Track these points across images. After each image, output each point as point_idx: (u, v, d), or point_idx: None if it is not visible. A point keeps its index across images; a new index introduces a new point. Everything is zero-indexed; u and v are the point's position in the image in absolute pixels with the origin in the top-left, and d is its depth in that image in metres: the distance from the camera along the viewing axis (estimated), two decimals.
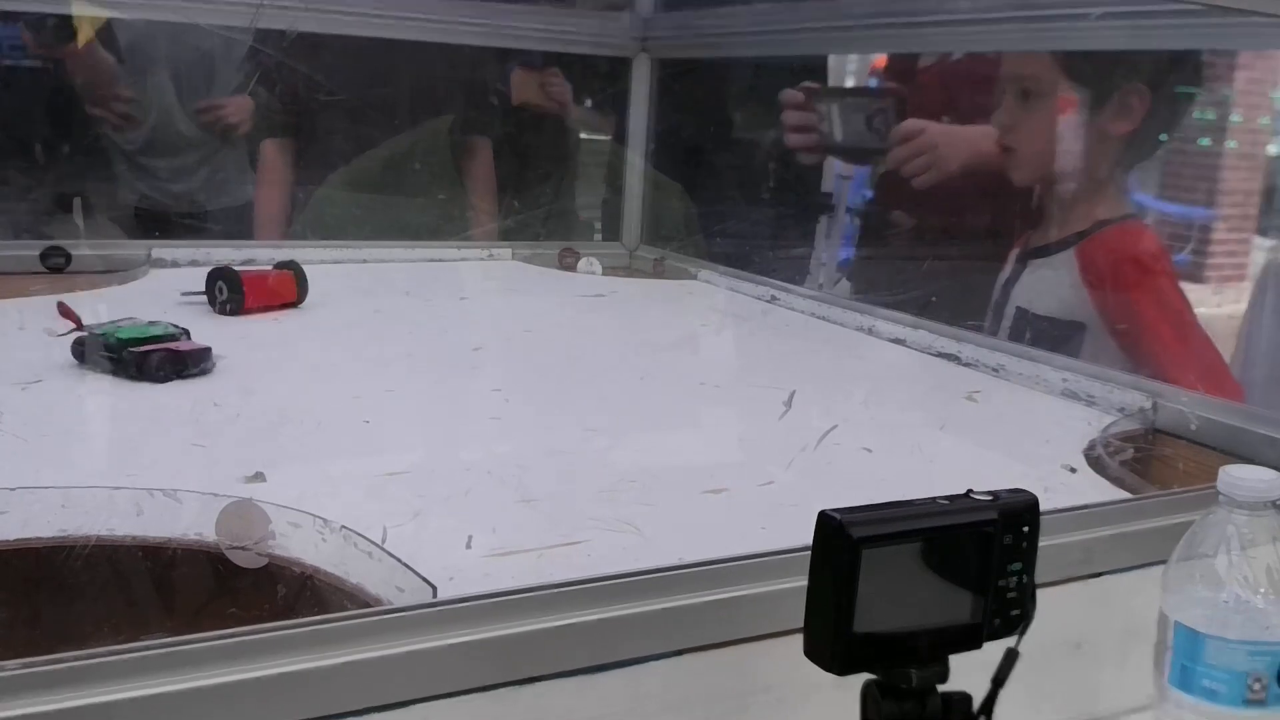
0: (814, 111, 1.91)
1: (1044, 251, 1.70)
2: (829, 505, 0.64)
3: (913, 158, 1.85)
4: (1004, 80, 1.70)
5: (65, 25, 2.25)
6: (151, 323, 1.38)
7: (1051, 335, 1.62)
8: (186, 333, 1.39)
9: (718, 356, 1.67)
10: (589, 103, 2.79)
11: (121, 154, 2.50)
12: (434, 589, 0.82)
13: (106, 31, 2.36)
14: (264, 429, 1.19)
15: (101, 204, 2.47)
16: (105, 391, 1.28)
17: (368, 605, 0.86)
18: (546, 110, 2.61)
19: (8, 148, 2.28)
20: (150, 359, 1.29)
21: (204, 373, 1.34)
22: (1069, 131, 1.65)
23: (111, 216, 2.45)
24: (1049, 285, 1.67)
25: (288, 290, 1.72)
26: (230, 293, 1.65)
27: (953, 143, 1.86)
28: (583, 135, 2.81)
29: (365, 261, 2.11)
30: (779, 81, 2.46)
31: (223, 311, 1.65)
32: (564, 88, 2.58)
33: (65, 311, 1.45)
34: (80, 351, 1.33)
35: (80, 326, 1.41)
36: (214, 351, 1.37)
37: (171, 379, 1.30)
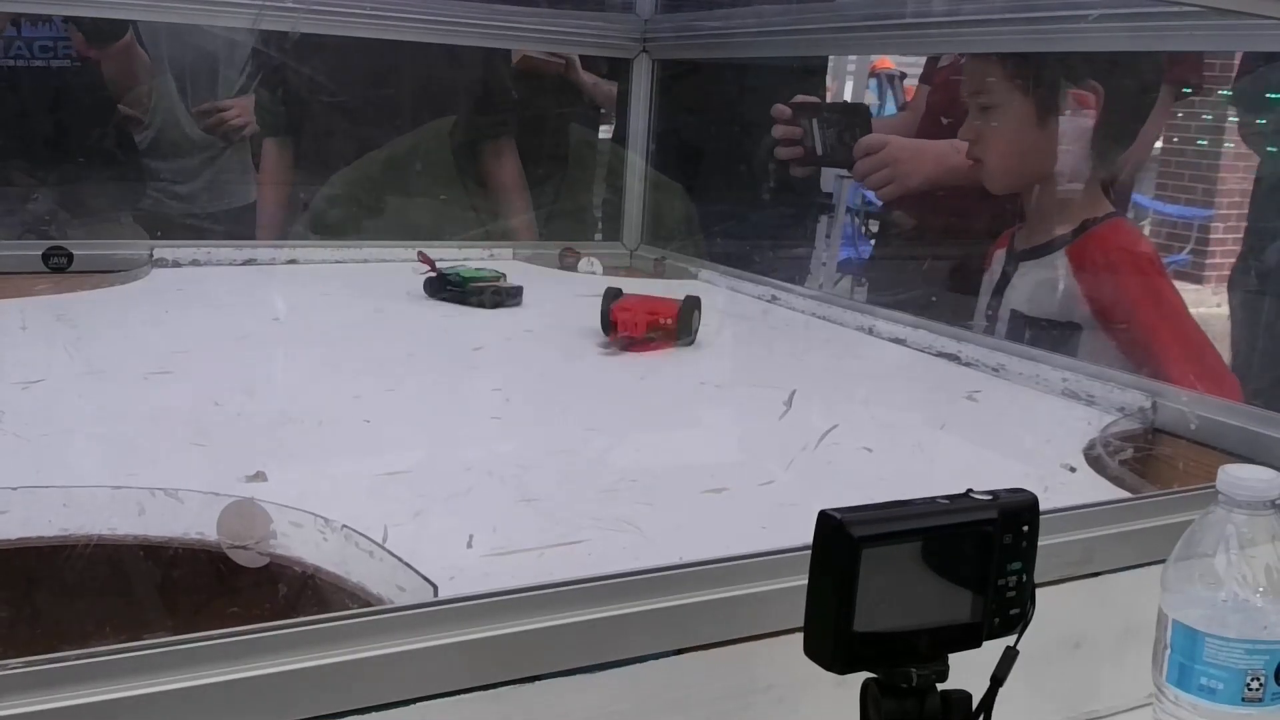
0: (798, 125, 1.95)
1: (1034, 254, 1.71)
2: (829, 505, 0.64)
3: (874, 171, 1.89)
4: (963, 96, 1.73)
5: (111, 22, 2.26)
6: (479, 269, 1.91)
7: (1049, 337, 1.62)
8: (504, 276, 1.87)
9: (718, 356, 1.67)
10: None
11: (127, 154, 2.50)
12: (435, 588, 0.82)
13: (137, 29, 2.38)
14: (265, 428, 1.20)
15: (107, 204, 2.47)
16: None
17: (369, 604, 0.86)
18: (549, 68, 2.60)
19: (20, 148, 2.28)
20: (485, 291, 1.82)
21: (517, 305, 1.83)
22: (1031, 137, 1.67)
23: (115, 216, 2.45)
24: (1042, 288, 1.68)
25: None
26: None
27: (915, 157, 1.90)
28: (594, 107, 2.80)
29: (366, 261, 2.12)
30: (779, 82, 2.47)
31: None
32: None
33: (424, 258, 1.88)
34: (431, 287, 1.84)
35: (434, 268, 1.86)
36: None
37: (495, 307, 1.80)
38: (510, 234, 2.43)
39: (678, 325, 1.60)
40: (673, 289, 2.10)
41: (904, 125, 2.21)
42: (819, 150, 1.96)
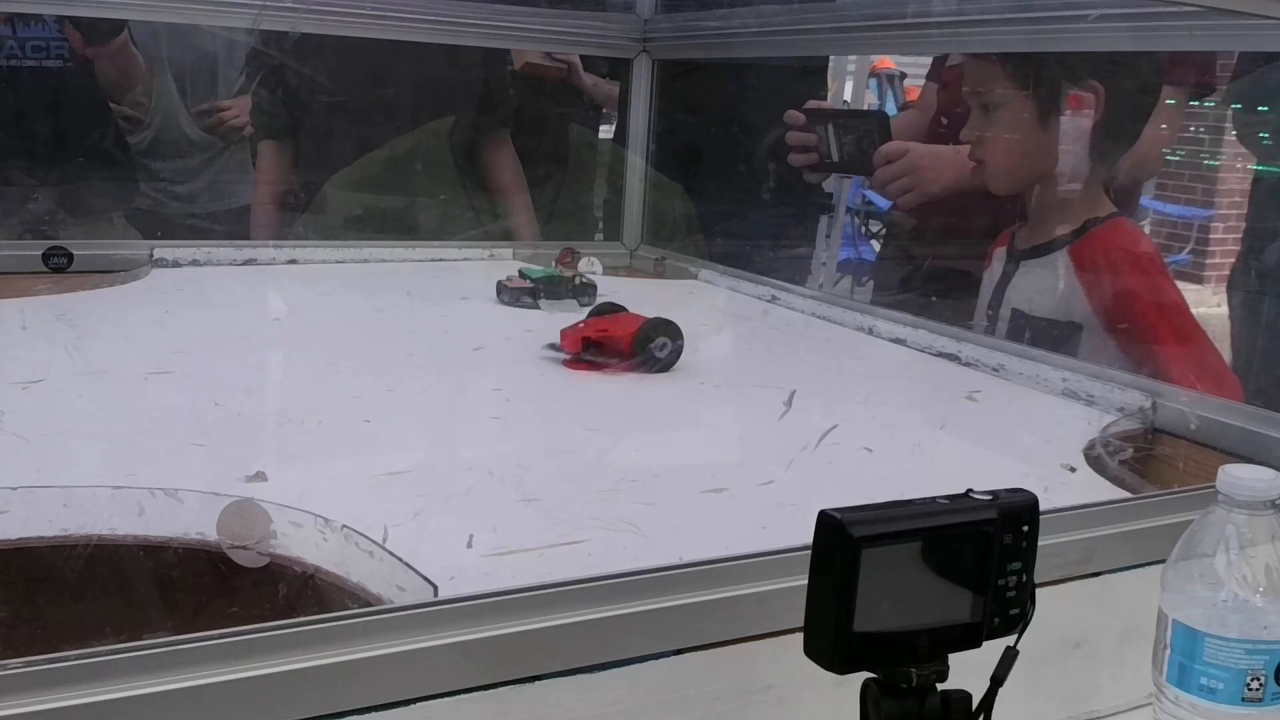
0: (813, 132, 1.95)
1: (1035, 253, 1.71)
2: (829, 505, 0.64)
3: (894, 179, 1.89)
4: (965, 96, 1.73)
5: (106, 20, 2.26)
6: (554, 272, 1.86)
7: (1050, 336, 1.62)
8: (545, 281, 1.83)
9: (718, 356, 1.67)
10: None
11: (124, 155, 2.50)
12: (435, 588, 0.82)
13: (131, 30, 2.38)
14: (265, 428, 1.20)
15: (106, 204, 2.47)
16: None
17: (369, 604, 0.86)
18: (552, 73, 2.60)
19: (17, 148, 2.28)
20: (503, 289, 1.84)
21: (536, 306, 1.81)
22: (1034, 137, 1.67)
23: (110, 217, 2.45)
24: (1044, 287, 1.68)
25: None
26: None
27: (935, 165, 1.90)
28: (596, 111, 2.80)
29: (366, 261, 2.12)
30: (779, 82, 2.47)
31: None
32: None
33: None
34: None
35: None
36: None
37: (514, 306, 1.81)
38: (510, 234, 2.43)
39: (632, 348, 1.45)
40: (673, 290, 2.11)
41: (913, 124, 2.21)
42: (835, 157, 1.95)
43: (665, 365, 1.48)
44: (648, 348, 1.46)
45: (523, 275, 1.85)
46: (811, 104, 2.07)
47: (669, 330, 1.48)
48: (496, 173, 2.46)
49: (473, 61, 2.38)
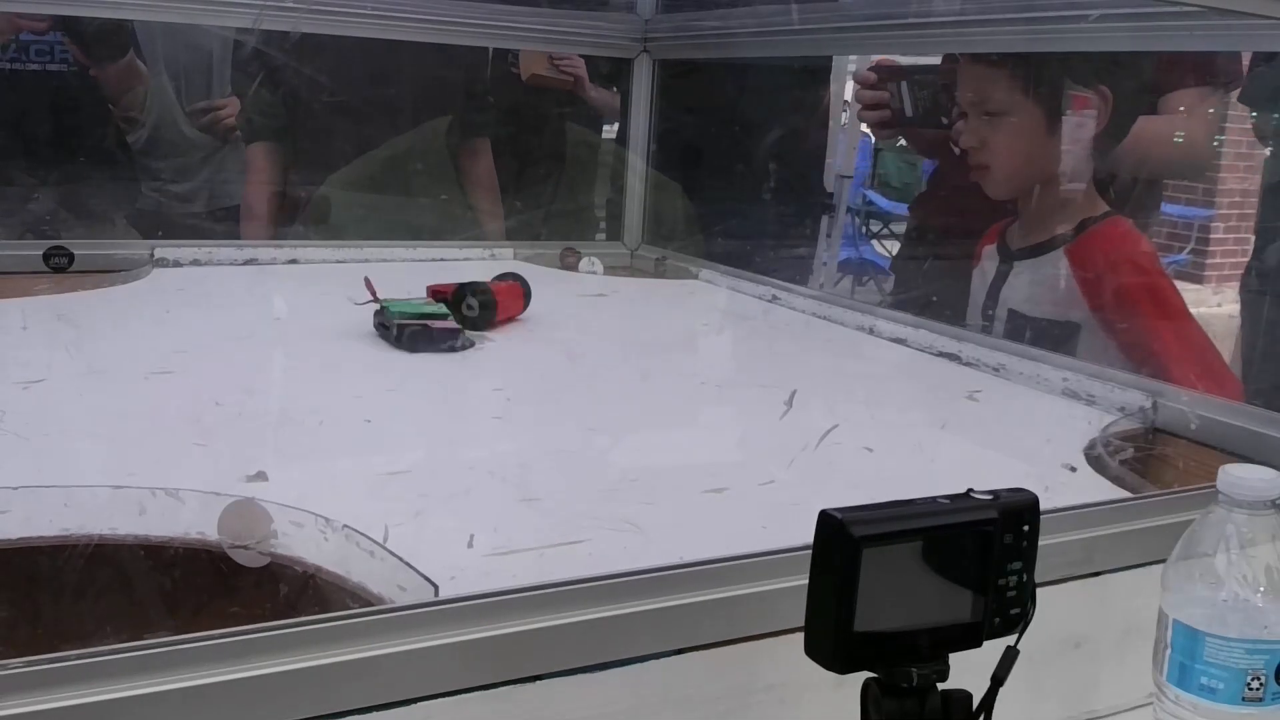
0: (885, 90, 1.95)
1: (1031, 253, 1.70)
2: (830, 504, 0.64)
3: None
4: (964, 103, 1.73)
5: (112, 42, 2.27)
6: (426, 301, 1.63)
7: (1050, 336, 1.62)
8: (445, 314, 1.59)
9: (718, 356, 1.67)
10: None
11: (125, 154, 2.50)
12: (435, 588, 0.82)
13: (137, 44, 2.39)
14: (265, 428, 1.20)
15: (106, 205, 2.47)
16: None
17: (369, 604, 0.86)
18: (558, 84, 2.60)
19: (21, 149, 2.28)
20: (405, 331, 1.53)
21: (451, 350, 1.53)
22: (1040, 143, 1.67)
23: (111, 217, 2.45)
24: (1042, 287, 1.68)
25: (516, 303, 1.74)
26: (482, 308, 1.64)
27: None
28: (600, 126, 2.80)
29: (366, 261, 2.11)
30: (779, 81, 2.47)
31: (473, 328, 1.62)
32: (578, 60, 2.58)
33: (368, 285, 1.61)
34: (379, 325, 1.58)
35: (376, 299, 1.59)
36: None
37: (423, 351, 1.52)
38: (483, 236, 2.43)
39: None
40: (673, 289, 2.11)
41: None
42: (909, 112, 1.96)
43: (476, 324, 1.62)
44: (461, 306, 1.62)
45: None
46: (881, 60, 2.08)
47: (477, 290, 1.63)
48: (469, 177, 2.47)
49: (456, 64, 2.38)
